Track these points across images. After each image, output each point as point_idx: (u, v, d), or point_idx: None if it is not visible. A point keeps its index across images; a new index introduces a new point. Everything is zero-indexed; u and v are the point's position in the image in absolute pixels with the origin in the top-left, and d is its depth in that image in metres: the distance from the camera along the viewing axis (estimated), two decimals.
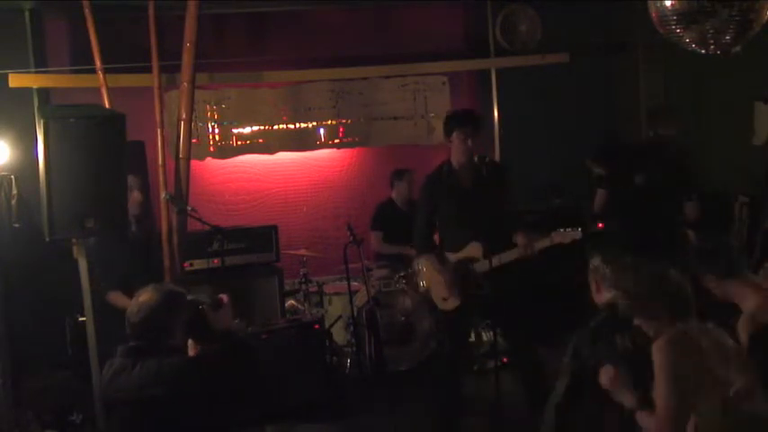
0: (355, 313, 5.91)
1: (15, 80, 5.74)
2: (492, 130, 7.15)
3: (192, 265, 5.74)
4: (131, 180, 4.47)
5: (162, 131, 5.41)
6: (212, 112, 6.79)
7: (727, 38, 3.68)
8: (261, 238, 6.19)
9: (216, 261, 5.72)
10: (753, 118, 6.42)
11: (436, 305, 4.82)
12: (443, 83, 7.25)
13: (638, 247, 5.43)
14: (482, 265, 4.46)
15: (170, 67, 5.61)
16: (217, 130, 6.81)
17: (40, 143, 3.94)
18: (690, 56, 4.04)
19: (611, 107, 7.66)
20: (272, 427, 5.05)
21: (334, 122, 7.10)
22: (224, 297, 3.09)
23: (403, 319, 6.04)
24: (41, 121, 3.91)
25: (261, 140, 6.93)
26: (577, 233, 4.40)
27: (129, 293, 3.36)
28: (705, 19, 3.62)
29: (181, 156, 5.37)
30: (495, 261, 4.41)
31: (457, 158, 4.59)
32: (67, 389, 5.06)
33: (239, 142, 6.88)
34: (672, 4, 3.69)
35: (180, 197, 5.25)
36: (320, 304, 6.22)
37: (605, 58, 7.52)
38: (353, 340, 5.94)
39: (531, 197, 6.86)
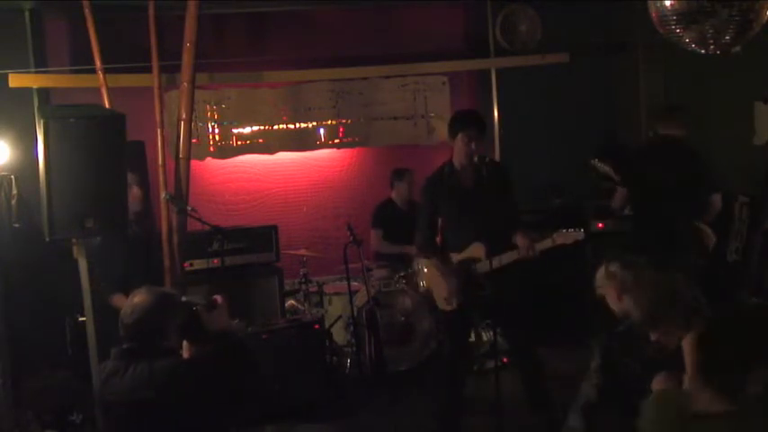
0: (355, 313, 5.91)
1: (15, 80, 5.74)
2: (492, 130, 7.14)
3: (192, 265, 5.74)
4: (130, 177, 4.47)
5: (162, 131, 5.42)
6: (212, 112, 6.79)
7: (727, 38, 3.68)
8: (261, 238, 6.19)
9: (216, 261, 5.72)
10: (753, 118, 6.43)
11: (436, 305, 4.83)
12: (443, 83, 7.25)
13: (653, 246, 5.43)
14: (484, 266, 4.46)
15: (170, 67, 5.61)
16: (217, 130, 6.81)
17: (40, 143, 3.94)
18: (690, 56, 4.04)
19: (611, 107, 7.65)
20: (272, 427, 5.05)
21: (334, 122, 7.10)
22: (218, 298, 3.08)
23: (403, 319, 6.04)
24: (41, 121, 3.91)
25: (261, 140, 6.93)
26: (579, 234, 4.38)
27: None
28: (705, 19, 3.62)
29: (181, 156, 5.37)
30: (496, 262, 4.41)
31: (459, 160, 4.59)
32: (67, 389, 5.06)
33: (239, 142, 6.88)
34: (672, 4, 3.69)
35: (180, 197, 5.25)
36: (320, 304, 6.22)
37: (605, 58, 7.52)
38: (353, 340, 5.94)
39: (531, 197, 6.85)
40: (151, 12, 5.37)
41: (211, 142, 6.80)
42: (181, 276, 5.28)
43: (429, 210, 4.71)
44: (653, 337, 3.12)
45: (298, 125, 7.01)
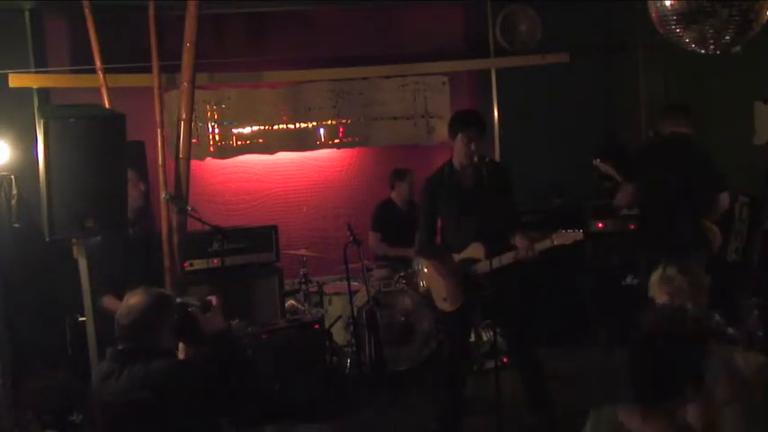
0: (355, 313, 5.91)
1: (15, 80, 5.74)
2: (492, 130, 7.14)
3: (192, 265, 5.74)
4: (131, 173, 4.47)
5: (162, 131, 5.42)
6: (212, 112, 6.79)
7: (727, 38, 3.68)
8: (261, 238, 6.19)
9: (216, 261, 5.72)
10: (753, 118, 6.42)
11: (436, 305, 4.83)
12: (443, 83, 7.25)
13: (659, 244, 5.42)
14: (483, 266, 4.46)
15: (170, 67, 5.62)
16: (217, 130, 6.81)
17: (40, 143, 3.94)
18: (690, 56, 4.04)
19: (611, 107, 7.65)
20: (272, 427, 5.06)
21: (334, 122, 7.10)
22: (213, 299, 3.07)
23: (403, 319, 6.04)
24: (41, 121, 3.91)
25: (261, 140, 6.93)
26: (578, 234, 4.37)
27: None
28: (705, 19, 3.62)
29: (181, 156, 5.37)
30: (496, 262, 4.41)
31: (459, 160, 4.58)
32: (67, 389, 5.05)
33: (239, 142, 6.88)
34: (672, 4, 3.69)
35: (180, 197, 5.25)
36: (320, 304, 6.22)
37: (605, 58, 7.52)
38: (353, 340, 5.94)
39: (531, 197, 6.85)
40: (151, 12, 5.37)
41: (211, 142, 6.80)
42: (181, 276, 5.28)
43: (429, 210, 4.71)
44: None
45: (298, 125, 7.01)
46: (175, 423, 2.85)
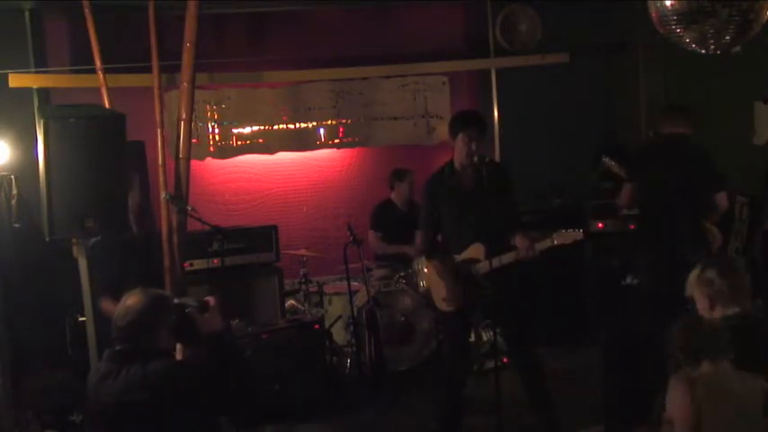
0: (355, 313, 5.91)
1: (15, 80, 5.74)
2: (492, 130, 7.14)
3: (192, 265, 5.74)
4: (133, 177, 4.48)
5: (162, 131, 5.41)
6: (212, 112, 6.79)
7: (727, 38, 3.68)
8: (261, 238, 6.19)
9: (216, 261, 5.72)
10: (753, 118, 6.43)
11: (436, 305, 4.82)
12: (443, 83, 7.25)
13: (663, 244, 5.42)
14: (484, 266, 4.46)
15: (170, 67, 5.61)
16: (217, 130, 6.81)
17: (40, 143, 3.95)
18: (690, 56, 4.04)
19: (611, 107, 7.65)
20: (272, 427, 5.06)
21: (334, 122, 7.09)
22: (210, 300, 3.06)
23: (403, 319, 6.04)
24: (41, 121, 3.92)
25: (261, 140, 6.93)
26: (579, 234, 4.37)
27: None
28: (705, 19, 3.62)
29: (181, 156, 5.37)
30: (496, 262, 4.41)
31: (459, 160, 4.58)
32: (67, 389, 5.05)
33: (239, 142, 6.88)
34: (672, 4, 3.69)
35: (180, 197, 5.24)
36: (320, 304, 6.22)
37: (605, 58, 7.52)
38: (353, 340, 5.94)
39: (531, 197, 6.85)
40: (151, 12, 5.36)
41: (211, 142, 6.80)
42: (181, 276, 5.28)
43: (430, 210, 4.71)
44: None
45: (298, 125, 7.01)
46: (173, 424, 2.84)
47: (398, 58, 6.95)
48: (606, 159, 5.64)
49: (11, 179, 5.21)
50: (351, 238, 5.79)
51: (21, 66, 5.93)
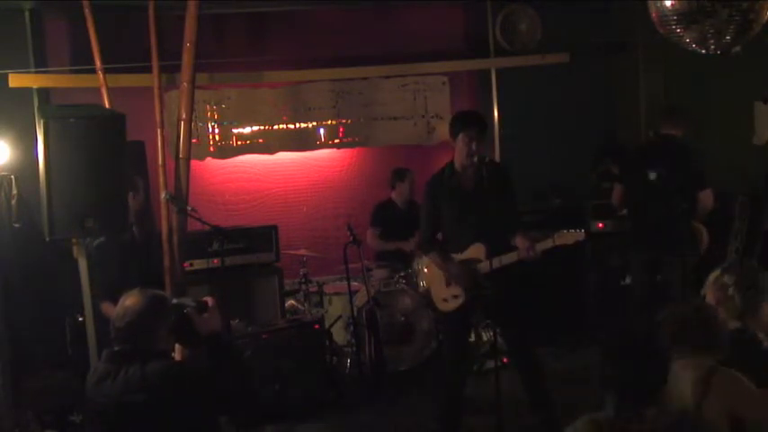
0: (355, 313, 5.91)
1: (15, 80, 5.73)
2: (492, 130, 7.14)
3: (192, 265, 5.73)
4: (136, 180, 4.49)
5: (162, 131, 5.42)
6: (212, 112, 6.79)
7: (727, 38, 3.68)
8: (261, 238, 6.18)
9: (216, 261, 5.72)
10: (753, 118, 6.43)
11: (436, 305, 4.82)
12: (443, 83, 7.25)
13: (651, 244, 5.45)
14: (485, 267, 4.46)
15: (170, 67, 5.61)
16: (217, 130, 6.81)
17: (40, 143, 3.95)
18: (690, 56, 4.04)
19: (611, 107, 7.66)
20: (272, 427, 5.07)
21: (334, 122, 7.09)
22: (209, 300, 3.06)
23: (403, 319, 6.04)
24: (41, 121, 3.92)
25: (261, 140, 6.93)
26: (580, 234, 4.37)
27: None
28: (705, 19, 3.62)
29: (181, 156, 5.37)
30: (496, 263, 4.41)
31: (460, 160, 4.58)
32: (67, 389, 5.05)
33: (239, 142, 6.88)
34: (672, 4, 3.69)
35: (180, 197, 5.25)
36: (320, 304, 6.22)
37: (605, 58, 7.52)
38: (353, 340, 5.94)
39: (531, 197, 6.86)
40: (151, 12, 5.36)
41: (211, 142, 6.80)
42: (181, 276, 5.28)
43: (430, 211, 4.70)
44: None
45: (298, 125, 7.01)
46: (173, 424, 2.84)
47: (398, 58, 6.95)
48: (608, 162, 5.70)
49: (11, 179, 5.21)
50: (351, 238, 5.79)
51: (21, 66, 5.93)
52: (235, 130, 6.85)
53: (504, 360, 5.29)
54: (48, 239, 4.01)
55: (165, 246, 5.20)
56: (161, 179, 5.35)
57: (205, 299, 3.07)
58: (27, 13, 6.09)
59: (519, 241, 4.44)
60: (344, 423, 5.27)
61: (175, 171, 5.37)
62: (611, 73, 7.67)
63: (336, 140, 7.13)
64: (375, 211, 6.73)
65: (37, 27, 6.17)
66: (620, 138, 7.40)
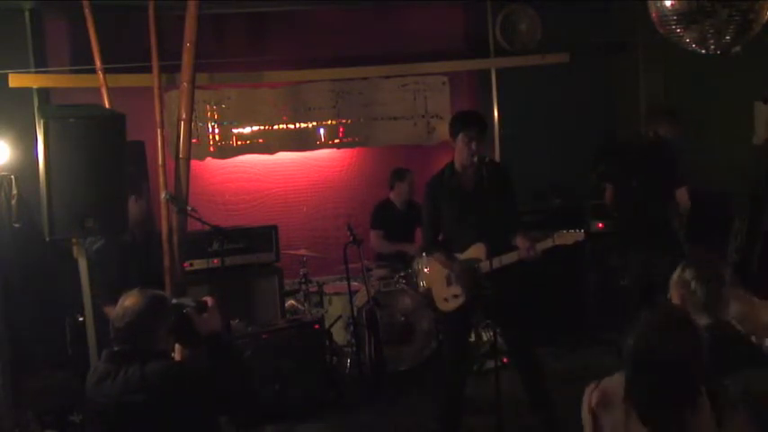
0: (355, 313, 5.91)
1: (15, 80, 5.73)
2: (492, 130, 7.14)
3: (192, 265, 5.74)
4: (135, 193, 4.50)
5: (162, 131, 5.42)
6: (212, 112, 6.79)
7: (727, 38, 3.68)
8: (261, 238, 6.18)
9: (216, 261, 5.72)
10: (753, 118, 6.43)
11: (436, 305, 4.82)
12: (443, 83, 7.25)
13: (636, 242, 5.48)
14: (485, 266, 4.46)
15: (170, 67, 5.62)
16: (217, 130, 6.81)
17: (40, 143, 3.94)
18: (690, 56, 4.04)
19: (611, 107, 7.66)
20: (272, 427, 5.07)
21: (334, 122, 7.09)
22: (208, 300, 3.06)
23: (403, 319, 6.04)
24: (41, 121, 3.92)
25: (261, 140, 6.93)
26: (579, 234, 4.37)
27: None
28: (705, 19, 3.62)
29: (181, 156, 5.37)
30: (497, 263, 4.41)
31: (460, 160, 4.58)
32: (67, 389, 5.06)
33: (239, 142, 6.88)
34: (672, 4, 3.69)
35: (180, 197, 5.25)
36: (320, 304, 6.22)
37: (605, 58, 7.52)
38: (353, 340, 5.94)
39: (531, 197, 6.86)
40: (151, 12, 5.37)
41: (211, 142, 6.80)
42: (181, 276, 5.28)
43: (430, 212, 4.70)
44: None
45: (298, 125, 7.01)
46: (172, 424, 2.84)
47: (398, 58, 6.95)
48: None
49: (11, 179, 5.21)
50: (351, 238, 5.79)
51: (21, 66, 5.93)
52: (235, 130, 6.85)
53: (504, 360, 5.29)
54: (48, 239, 4.00)
55: (165, 246, 5.20)
56: (161, 179, 5.35)
57: (205, 299, 3.07)
58: (27, 13, 6.09)
59: (519, 241, 4.44)
60: (344, 423, 5.27)
61: (175, 171, 5.37)
62: (611, 73, 7.67)
63: (336, 140, 7.13)
64: (375, 213, 6.72)
65: (37, 27, 6.17)
66: (620, 138, 7.40)
